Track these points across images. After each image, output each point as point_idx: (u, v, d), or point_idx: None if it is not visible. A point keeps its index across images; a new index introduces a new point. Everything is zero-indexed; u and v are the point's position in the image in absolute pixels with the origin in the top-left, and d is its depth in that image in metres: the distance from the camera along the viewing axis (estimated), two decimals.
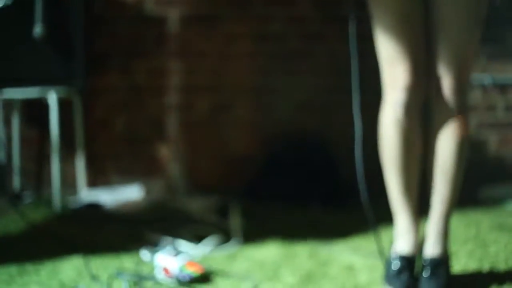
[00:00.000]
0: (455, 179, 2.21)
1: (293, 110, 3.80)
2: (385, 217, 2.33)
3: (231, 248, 2.77)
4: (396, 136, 2.21)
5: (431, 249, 2.22)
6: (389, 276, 2.18)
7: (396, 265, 2.19)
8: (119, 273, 2.24)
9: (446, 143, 2.19)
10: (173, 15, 3.79)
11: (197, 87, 3.82)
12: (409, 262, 2.19)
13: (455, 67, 2.12)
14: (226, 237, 2.90)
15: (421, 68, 2.17)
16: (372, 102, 2.27)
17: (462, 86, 2.14)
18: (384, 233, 2.79)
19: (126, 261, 2.55)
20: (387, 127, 2.23)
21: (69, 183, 3.75)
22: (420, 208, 2.31)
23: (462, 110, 2.17)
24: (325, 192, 3.51)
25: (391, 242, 2.32)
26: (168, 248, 2.42)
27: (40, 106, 3.53)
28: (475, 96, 3.76)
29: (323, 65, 3.77)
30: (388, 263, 2.25)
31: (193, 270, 2.34)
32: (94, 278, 2.33)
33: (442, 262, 2.18)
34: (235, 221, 3.07)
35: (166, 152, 3.83)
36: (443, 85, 2.14)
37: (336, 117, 3.79)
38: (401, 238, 2.26)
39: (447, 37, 2.12)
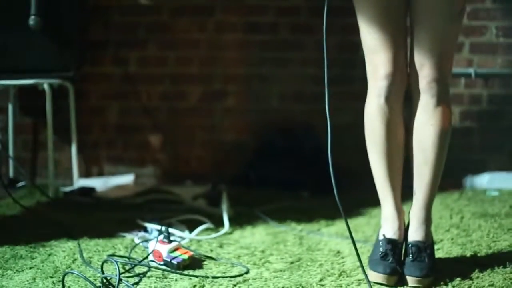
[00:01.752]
0: (436, 168, 2.25)
1: (283, 99, 3.84)
2: (378, 202, 2.37)
3: (221, 234, 2.81)
4: (378, 124, 2.27)
5: (414, 235, 2.26)
6: (374, 260, 2.22)
7: (381, 249, 2.23)
8: (111, 258, 2.27)
9: (426, 132, 2.23)
10: (166, 5, 3.82)
11: (189, 76, 3.85)
12: (394, 247, 2.23)
13: (435, 56, 2.16)
14: (216, 223, 2.94)
15: (401, 58, 2.23)
16: (362, 91, 2.32)
17: (442, 75, 2.18)
18: (375, 218, 2.85)
19: (118, 246, 2.59)
20: (370, 115, 2.29)
21: (63, 171, 3.79)
22: (403, 194, 2.36)
23: (443, 100, 2.21)
24: (313, 179, 3.55)
25: (378, 227, 2.36)
26: (159, 234, 2.46)
27: (35, 95, 3.55)
28: (460, 87, 3.80)
29: (312, 55, 3.81)
30: (373, 248, 2.31)
31: (183, 255, 2.38)
32: (86, 262, 2.38)
33: (425, 247, 2.22)
34: (225, 208, 3.10)
35: (158, 140, 3.86)
36: (423, 74, 2.19)
37: (324, 106, 3.82)
38: (386, 223, 2.31)
39: (427, 26, 2.16)
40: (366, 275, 2.10)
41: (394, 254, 2.22)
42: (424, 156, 2.25)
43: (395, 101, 2.26)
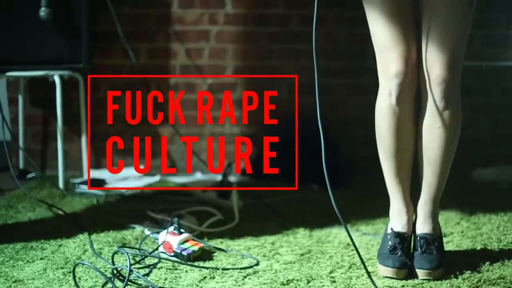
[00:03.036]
0: (442, 169, 2.25)
1: (292, 91, 3.83)
2: (387, 195, 2.37)
3: (231, 226, 2.81)
4: (389, 122, 2.25)
5: (421, 228, 2.27)
6: (383, 254, 2.23)
7: (389, 243, 2.24)
8: (121, 249, 2.28)
9: (433, 135, 2.22)
10: None
11: (198, 68, 3.85)
12: (403, 240, 2.23)
13: (445, 56, 2.13)
14: (226, 215, 2.94)
15: (413, 55, 2.20)
16: (371, 84, 2.32)
17: (453, 76, 2.15)
18: (385, 211, 2.84)
19: (128, 238, 2.60)
20: (380, 113, 2.27)
21: (74, 162, 3.80)
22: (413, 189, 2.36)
23: (452, 102, 2.18)
24: (323, 172, 3.54)
25: (388, 220, 2.37)
26: (170, 226, 2.46)
27: (45, 86, 3.56)
28: (470, 80, 3.79)
29: (322, 47, 3.80)
30: (382, 242, 2.31)
31: (193, 247, 2.39)
32: (97, 253, 2.39)
33: (433, 239, 2.23)
34: (235, 200, 3.10)
35: (167, 132, 3.86)
36: (433, 76, 2.16)
37: (334, 98, 3.83)
38: (394, 217, 2.32)
39: (436, 23, 2.13)
40: (367, 271, 2.08)
41: (402, 248, 2.22)
42: (431, 157, 2.24)
43: (406, 99, 2.23)
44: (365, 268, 2.05)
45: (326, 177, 2.07)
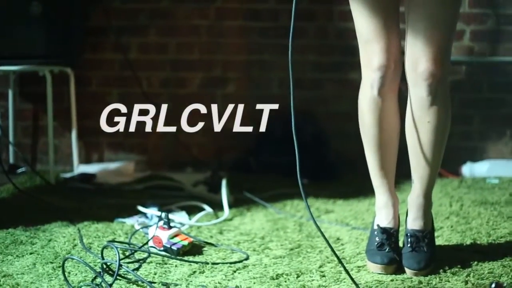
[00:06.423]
0: (433, 162, 2.21)
1: (284, 86, 3.84)
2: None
3: (221, 220, 2.82)
4: (371, 114, 2.23)
5: (412, 224, 2.25)
6: (371, 251, 2.22)
7: (376, 239, 2.23)
8: (111, 243, 2.28)
9: (422, 129, 2.18)
10: None
11: (189, 63, 3.85)
12: (390, 236, 2.23)
13: (432, 49, 2.09)
14: (216, 210, 2.95)
15: (395, 47, 2.18)
16: (359, 80, 2.32)
17: (440, 70, 2.11)
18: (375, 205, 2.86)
19: (118, 232, 2.60)
20: (364, 105, 2.25)
21: (64, 157, 3.80)
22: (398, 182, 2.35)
23: (441, 96, 2.14)
24: (314, 167, 3.55)
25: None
26: (159, 221, 2.46)
27: (35, 81, 3.56)
28: (460, 75, 3.80)
29: (313, 42, 3.81)
30: (369, 238, 2.31)
31: (183, 241, 2.39)
32: (87, 248, 2.39)
33: (423, 236, 2.21)
34: (225, 195, 3.10)
35: (158, 127, 3.86)
36: (419, 70, 2.11)
37: (325, 93, 3.83)
38: (380, 212, 2.30)
39: (423, 15, 2.08)
40: (348, 271, 2.06)
41: (390, 243, 2.21)
42: (422, 152, 2.21)
43: (389, 91, 2.22)
44: (343, 266, 2.05)
45: (298, 175, 2.05)
